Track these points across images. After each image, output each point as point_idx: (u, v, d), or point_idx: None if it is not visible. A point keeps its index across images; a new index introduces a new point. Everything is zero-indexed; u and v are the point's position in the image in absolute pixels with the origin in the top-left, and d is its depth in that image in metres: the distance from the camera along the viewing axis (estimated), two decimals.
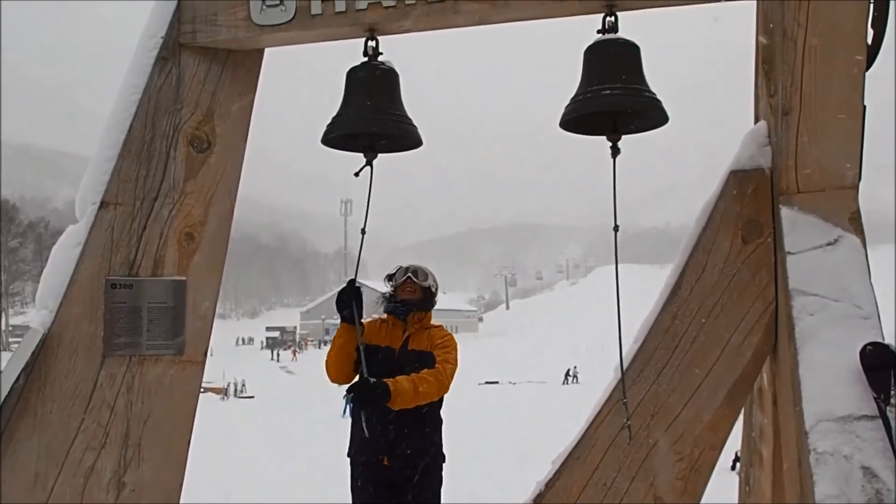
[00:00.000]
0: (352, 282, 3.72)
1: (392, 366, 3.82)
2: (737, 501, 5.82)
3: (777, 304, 3.33)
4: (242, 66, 3.52)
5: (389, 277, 4.07)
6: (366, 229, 3.59)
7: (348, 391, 3.62)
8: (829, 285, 3.04)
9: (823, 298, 3.02)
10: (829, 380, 2.85)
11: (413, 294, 3.96)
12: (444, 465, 3.99)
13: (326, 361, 3.91)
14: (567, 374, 43.22)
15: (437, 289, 4.10)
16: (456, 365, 3.82)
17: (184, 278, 3.36)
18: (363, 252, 3.64)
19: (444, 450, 4.01)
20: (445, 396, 3.90)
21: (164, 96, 3.38)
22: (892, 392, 2.69)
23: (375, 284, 4.59)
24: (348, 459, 3.98)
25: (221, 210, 3.51)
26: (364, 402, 3.57)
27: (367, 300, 3.80)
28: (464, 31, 3.54)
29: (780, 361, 3.34)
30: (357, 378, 3.71)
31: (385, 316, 4.06)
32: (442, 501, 3.98)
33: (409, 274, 3.97)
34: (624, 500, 3.49)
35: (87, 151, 3.47)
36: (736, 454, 10.44)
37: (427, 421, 3.86)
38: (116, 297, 3.26)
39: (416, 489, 3.81)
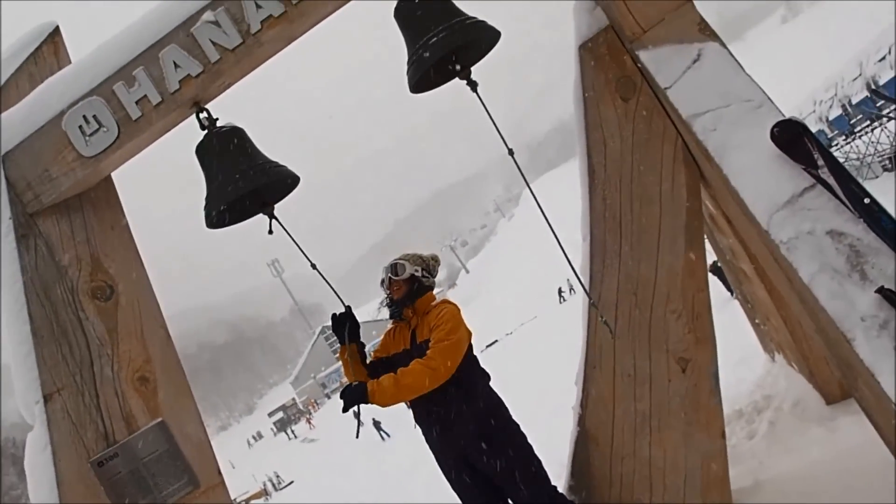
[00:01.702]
0: (346, 309, 3.88)
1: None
2: (747, 320, 6.05)
3: (681, 136, 3.41)
4: (100, 200, 3.42)
5: (381, 283, 4.03)
6: (313, 262, 3.76)
7: (340, 396, 3.72)
8: (713, 97, 3.14)
9: (715, 110, 3.11)
10: (759, 176, 2.95)
11: (400, 291, 3.92)
12: (516, 431, 3.91)
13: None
14: (560, 293, 43.78)
15: (427, 268, 4.01)
16: (452, 339, 3.68)
17: (160, 419, 3.28)
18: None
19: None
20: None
21: (45, 269, 3.27)
22: (815, 155, 2.80)
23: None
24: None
25: (158, 338, 3.43)
26: (346, 404, 3.60)
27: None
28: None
29: (711, 184, 3.44)
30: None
31: (392, 322, 4.07)
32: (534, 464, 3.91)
33: (389, 275, 3.94)
34: (653, 378, 3.57)
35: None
36: (714, 263, 10.72)
37: (472, 404, 3.79)
38: (109, 472, 3.17)
39: (503, 472, 3.75)
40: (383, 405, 3.59)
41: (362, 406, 3.56)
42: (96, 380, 3.24)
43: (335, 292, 3.91)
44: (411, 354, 3.76)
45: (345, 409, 3.60)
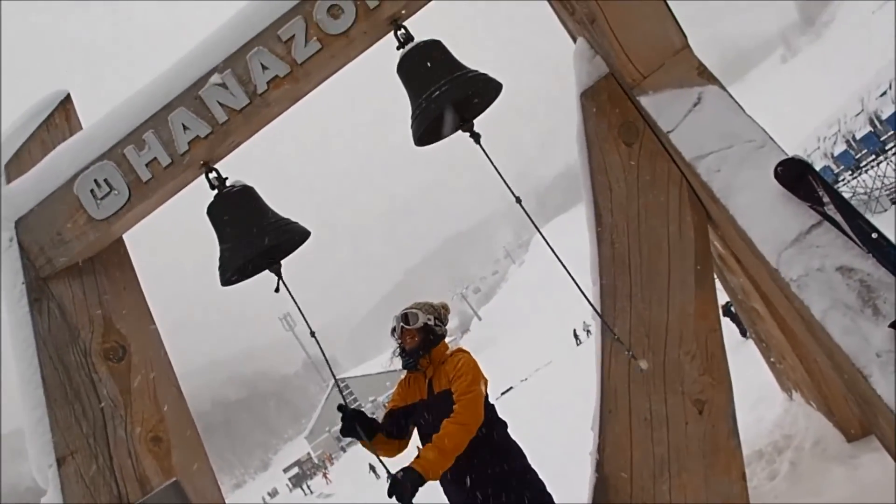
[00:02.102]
0: (341, 407, 3.70)
1: (429, 417, 3.76)
2: (763, 359, 5.98)
3: (686, 178, 3.43)
4: (112, 261, 3.47)
5: (392, 332, 3.99)
6: (313, 330, 3.67)
7: (388, 494, 3.56)
8: (716, 139, 3.16)
9: (718, 152, 3.14)
10: (765, 215, 2.96)
11: (413, 341, 3.87)
12: (535, 479, 3.85)
13: None
14: (576, 335, 43.56)
15: (438, 316, 3.96)
16: (474, 390, 3.65)
17: (174, 479, 3.25)
18: (323, 347, 3.80)
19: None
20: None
21: (57, 333, 3.29)
22: (819, 192, 2.81)
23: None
24: None
25: (171, 397, 3.43)
26: (404, 497, 3.41)
27: (360, 386, 3.82)
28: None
29: (719, 224, 3.45)
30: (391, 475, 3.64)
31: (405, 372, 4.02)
32: None
33: (401, 324, 3.91)
34: (670, 421, 3.53)
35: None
36: (726, 304, 10.66)
37: (491, 452, 3.75)
38: None
39: None
40: (437, 478, 3.53)
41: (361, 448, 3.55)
42: (109, 441, 3.24)
43: (335, 379, 3.88)
44: (428, 405, 3.75)
45: (407, 501, 3.42)
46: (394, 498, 3.42)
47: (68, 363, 3.27)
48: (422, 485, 3.43)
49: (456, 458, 3.66)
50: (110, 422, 3.25)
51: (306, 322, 3.67)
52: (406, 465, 3.45)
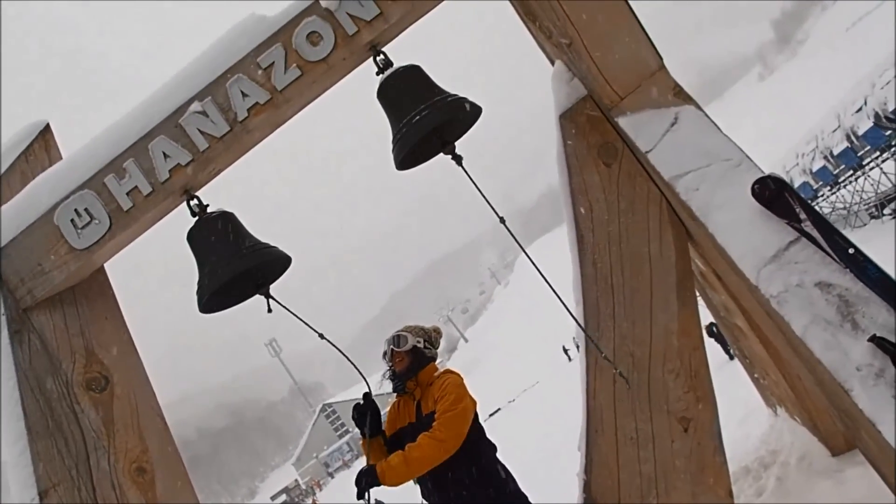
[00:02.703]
0: (366, 395, 3.79)
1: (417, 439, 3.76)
2: (748, 376, 6.01)
3: (665, 197, 3.47)
4: (92, 290, 3.44)
5: (384, 355, 4.00)
6: (322, 333, 3.64)
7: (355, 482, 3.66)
8: (693, 158, 3.20)
9: (696, 171, 3.17)
10: (744, 232, 2.99)
11: (402, 363, 3.88)
12: (525, 502, 3.85)
13: None
14: (566, 351, 43.58)
15: (429, 339, 4.00)
16: (456, 409, 3.67)
17: None
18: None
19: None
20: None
21: (38, 365, 3.26)
22: (796, 209, 2.85)
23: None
24: None
25: (155, 427, 3.40)
26: (359, 490, 3.54)
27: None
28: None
29: (699, 242, 3.48)
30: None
31: (395, 396, 4.02)
32: None
33: (391, 346, 3.92)
34: (656, 440, 3.53)
35: None
36: (710, 325, 10.77)
37: (480, 475, 3.74)
38: None
39: None
40: (395, 485, 3.55)
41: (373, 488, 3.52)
42: (93, 473, 3.19)
43: (355, 367, 3.85)
44: (416, 427, 3.75)
45: (359, 496, 3.54)
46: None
47: (49, 394, 3.23)
48: (376, 485, 3.50)
49: (443, 480, 3.66)
50: (93, 453, 3.21)
51: (312, 328, 3.62)
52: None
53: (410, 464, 3.52)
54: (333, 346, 3.76)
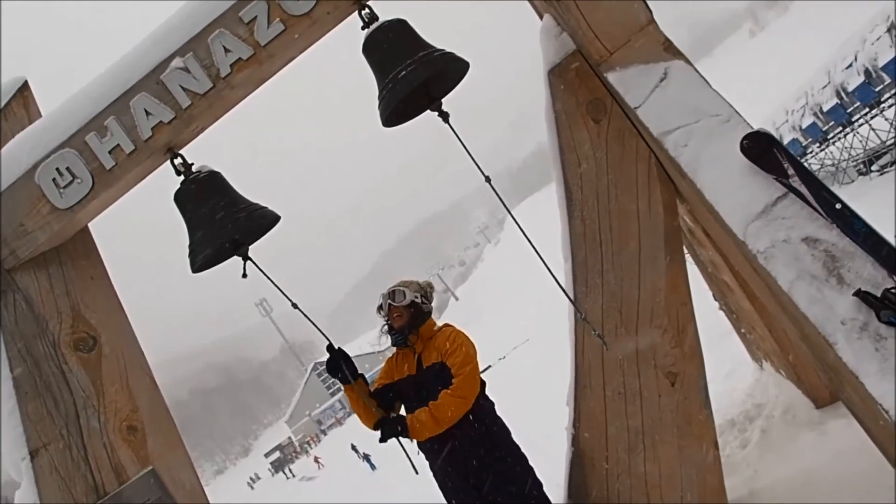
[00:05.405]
0: (329, 347, 3.80)
1: (417, 391, 3.83)
2: (734, 330, 6.07)
3: (654, 154, 3.45)
4: (78, 251, 3.42)
5: (379, 309, 4.01)
6: (294, 301, 3.69)
7: (375, 428, 3.74)
8: (682, 114, 3.18)
9: (685, 127, 3.15)
10: (732, 188, 2.98)
11: (401, 318, 3.90)
12: (521, 456, 3.92)
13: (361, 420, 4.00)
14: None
15: (425, 294, 4.02)
16: (471, 365, 3.77)
17: (150, 467, 3.24)
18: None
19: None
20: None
21: (25, 325, 3.25)
22: (784, 164, 2.84)
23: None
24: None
25: (144, 386, 3.41)
26: (385, 435, 3.66)
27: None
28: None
29: (687, 199, 3.48)
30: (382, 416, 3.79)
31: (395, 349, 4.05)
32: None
33: (388, 301, 3.92)
34: (644, 393, 3.57)
35: None
36: None
37: (482, 429, 3.80)
38: None
39: (508, 496, 3.75)
40: (421, 439, 3.70)
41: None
42: (83, 432, 3.21)
43: (320, 330, 3.86)
44: (417, 379, 3.84)
45: (383, 440, 3.68)
46: (379, 432, 3.68)
47: (37, 355, 3.23)
48: (405, 436, 3.63)
49: (448, 438, 3.73)
50: (83, 412, 3.22)
51: (286, 296, 3.65)
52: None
53: (440, 422, 3.65)
54: (304, 314, 3.76)
